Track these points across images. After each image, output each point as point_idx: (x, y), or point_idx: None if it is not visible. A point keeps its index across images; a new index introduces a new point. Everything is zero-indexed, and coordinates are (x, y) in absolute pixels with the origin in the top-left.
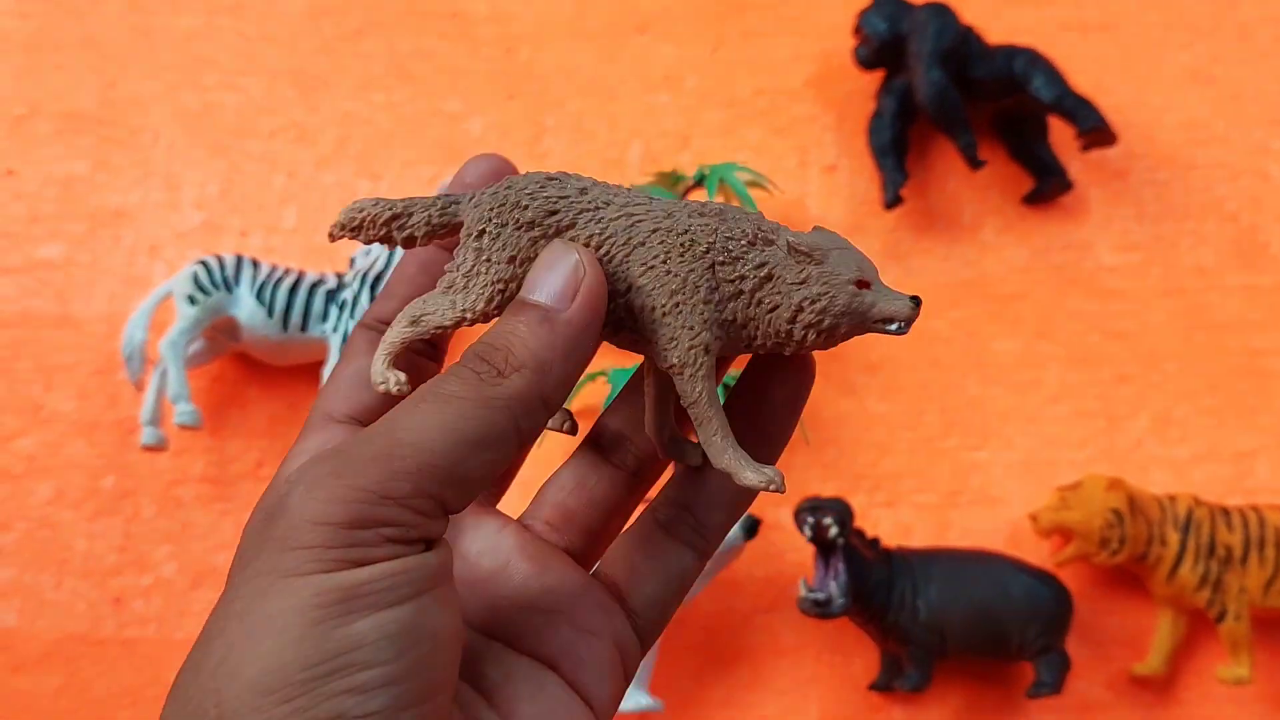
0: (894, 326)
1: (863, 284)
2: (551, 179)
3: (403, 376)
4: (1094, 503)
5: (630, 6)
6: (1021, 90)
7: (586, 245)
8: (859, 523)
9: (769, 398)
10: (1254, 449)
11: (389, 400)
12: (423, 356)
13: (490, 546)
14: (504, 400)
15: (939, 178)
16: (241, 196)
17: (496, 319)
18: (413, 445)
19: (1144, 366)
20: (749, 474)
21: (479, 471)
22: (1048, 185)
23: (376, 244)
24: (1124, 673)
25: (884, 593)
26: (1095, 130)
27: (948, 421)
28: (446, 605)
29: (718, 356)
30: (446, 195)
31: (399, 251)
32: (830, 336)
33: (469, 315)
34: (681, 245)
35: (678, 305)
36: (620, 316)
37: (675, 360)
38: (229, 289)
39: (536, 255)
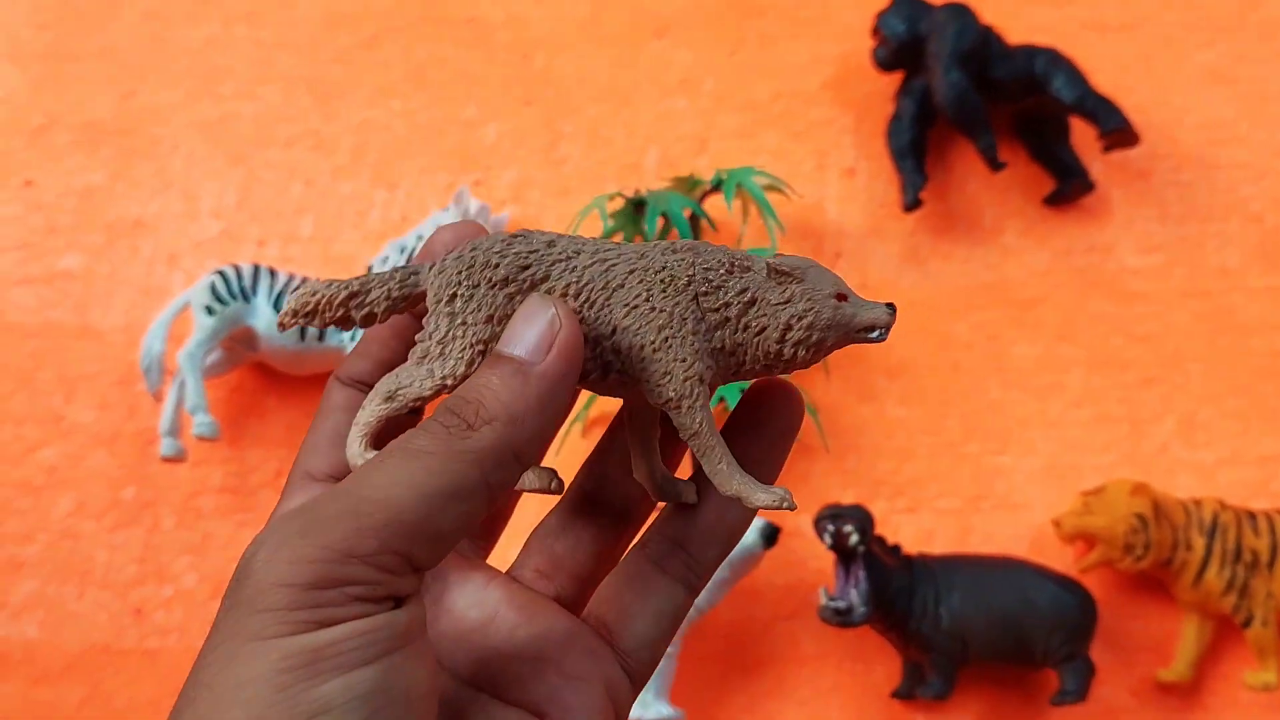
0: (875, 334)
1: (841, 297)
2: (516, 236)
3: None
4: (1118, 508)
5: (647, 11)
6: (1042, 91)
7: (564, 295)
8: (880, 529)
9: (763, 432)
10: None
11: None
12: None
13: (477, 600)
14: (474, 454)
15: (959, 180)
16: (259, 205)
17: None
18: (378, 502)
19: (1168, 369)
20: (760, 495)
21: (449, 526)
22: (1069, 186)
23: (394, 252)
24: (1149, 679)
25: (906, 600)
26: (1117, 131)
27: (969, 426)
28: (418, 663)
29: (709, 385)
30: (404, 267)
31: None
32: (818, 351)
33: (450, 381)
34: (662, 282)
35: (667, 340)
36: (608, 360)
37: (672, 394)
38: (246, 299)
39: (513, 312)
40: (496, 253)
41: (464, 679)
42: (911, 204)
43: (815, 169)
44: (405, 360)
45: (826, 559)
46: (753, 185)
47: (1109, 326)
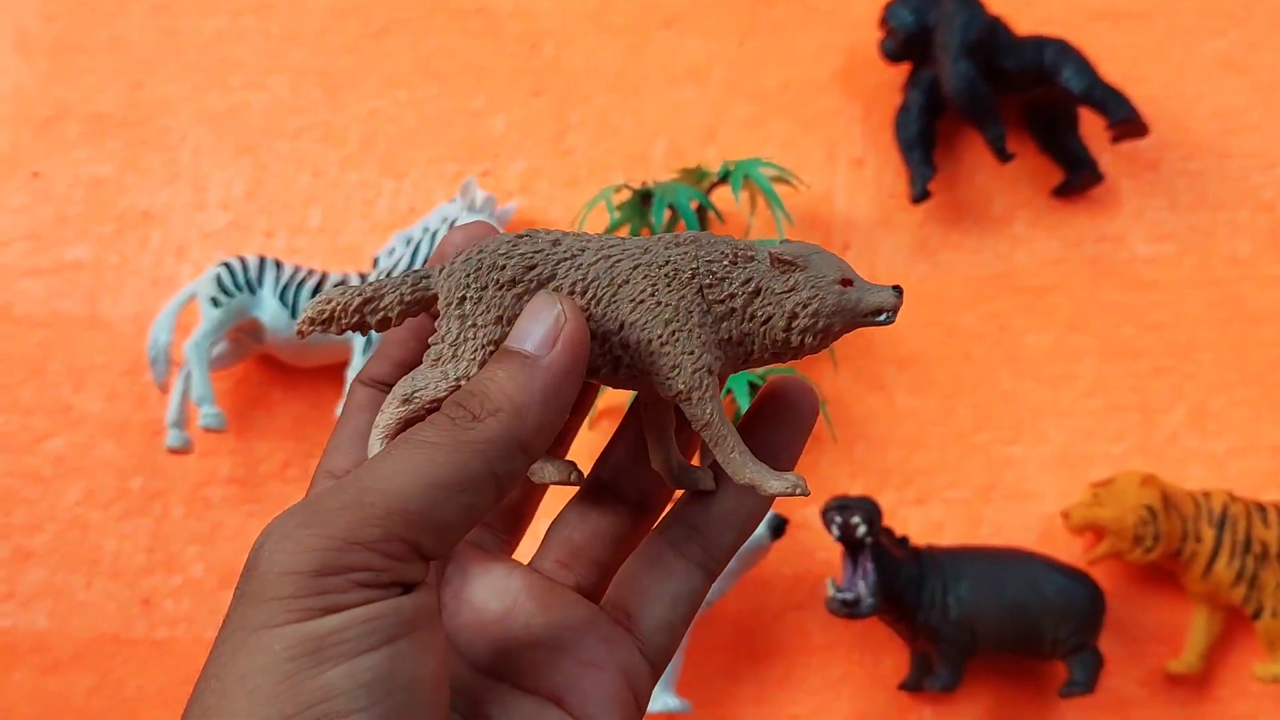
0: (882, 317)
1: (846, 282)
2: (521, 236)
3: None
4: (1127, 499)
5: (656, 1)
6: (1051, 81)
7: (571, 293)
8: (889, 520)
9: (779, 427)
10: None
11: None
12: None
13: (498, 591)
14: (479, 444)
15: (968, 171)
16: (267, 197)
17: None
18: (381, 492)
19: (1179, 359)
20: (774, 483)
21: (455, 516)
22: (1078, 177)
23: (400, 244)
24: (1158, 670)
25: (914, 591)
26: (1126, 121)
27: (979, 416)
28: (427, 651)
29: (718, 376)
30: (416, 271)
31: (422, 249)
32: (825, 336)
33: (463, 382)
34: (666, 276)
35: (674, 333)
36: (617, 355)
37: (681, 386)
38: (252, 291)
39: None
40: (502, 254)
41: (483, 669)
42: (920, 195)
43: (824, 159)
44: (423, 360)
45: (834, 550)
46: (760, 176)
47: (1120, 316)
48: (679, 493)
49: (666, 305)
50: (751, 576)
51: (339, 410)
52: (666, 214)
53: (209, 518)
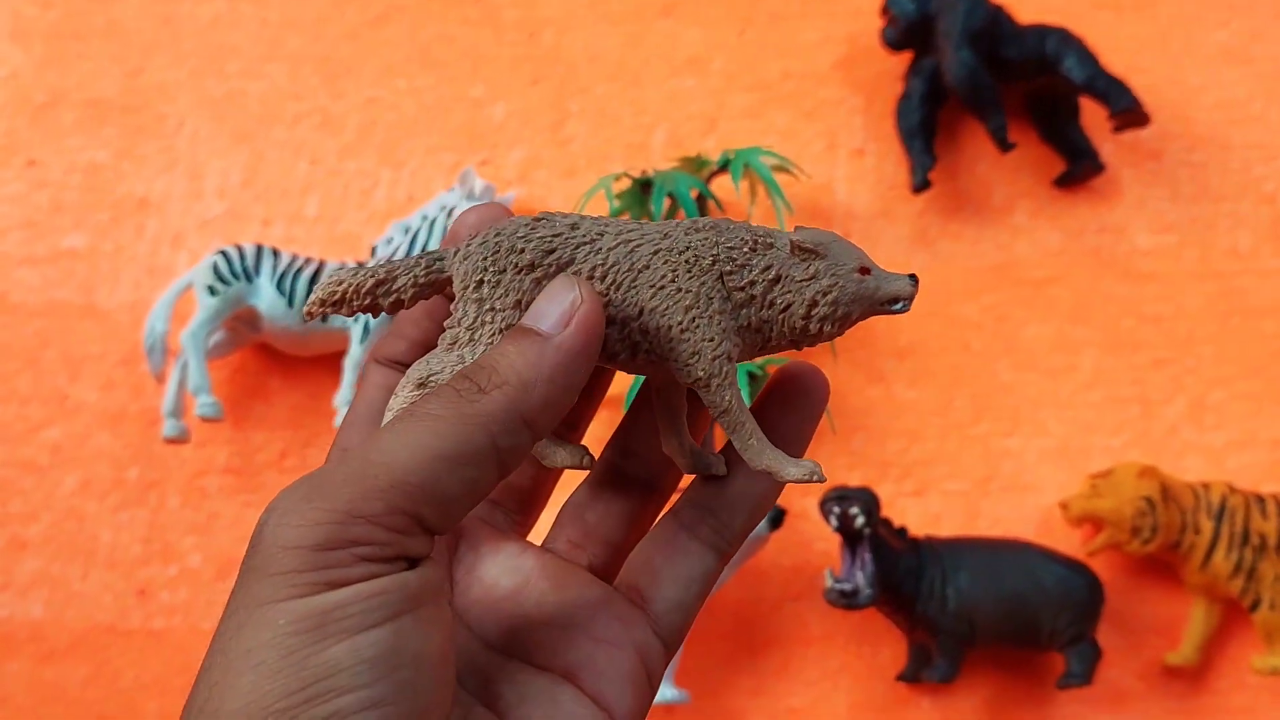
0: (899, 305)
1: (864, 270)
2: (539, 219)
3: None
4: (1125, 490)
5: None
6: (1053, 71)
7: (590, 278)
8: (887, 511)
9: (790, 413)
10: None
11: None
12: None
13: (510, 568)
14: (482, 417)
15: (968, 160)
16: (265, 185)
17: None
18: (385, 464)
19: (1179, 351)
20: (791, 470)
21: (458, 489)
22: (1079, 167)
23: (398, 232)
24: (1156, 662)
25: (912, 582)
26: (1128, 111)
27: (978, 408)
28: (432, 627)
29: (737, 362)
30: (430, 253)
31: (420, 238)
32: (844, 324)
33: None
34: (686, 262)
35: (694, 320)
36: (636, 340)
37: (701, 373)
38: (249, 279)
39: None
40: (521, 237)
41: (496, 646)
42: (920, 185)
43: (825, 149)
44: (438, 344)
45: (833, 541)
46: (760, 165)
47: (1120, 308)
48: (690, 476)
49: (687, 291)
50: (750, 567)
51: (336, 400)
52: (666, 203)
53: (205, 508)
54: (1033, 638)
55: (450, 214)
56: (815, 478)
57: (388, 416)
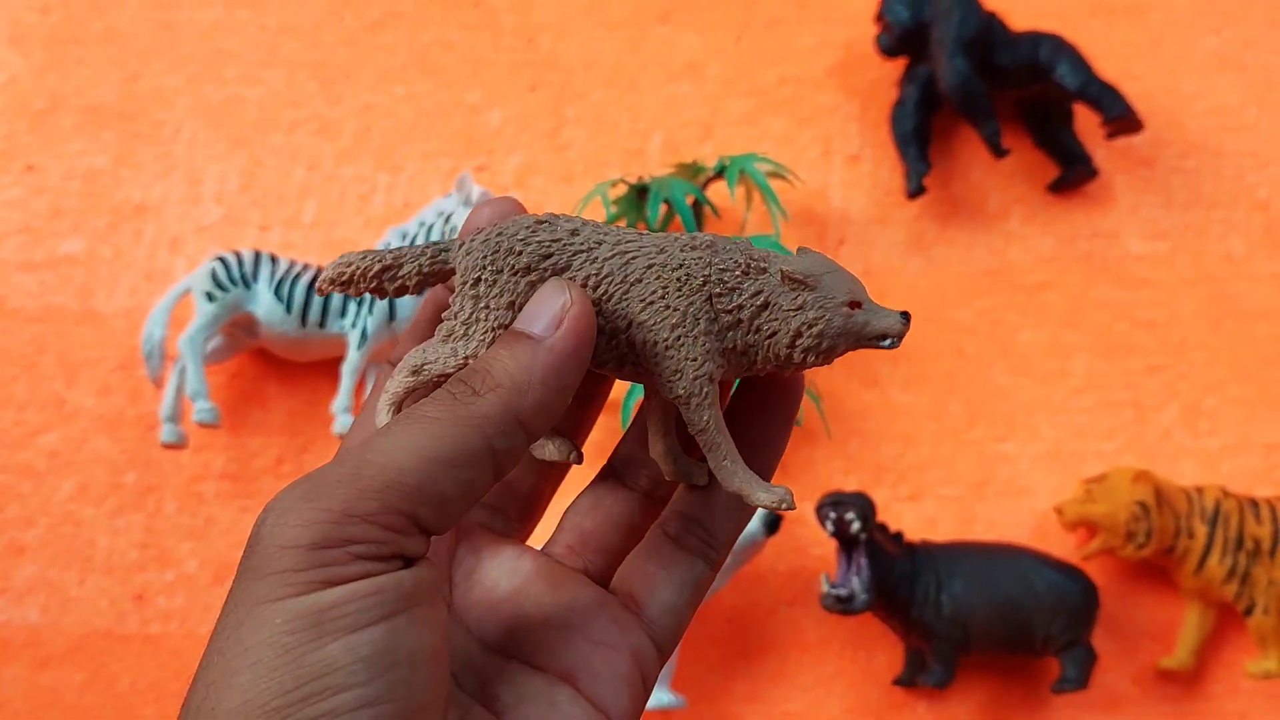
0: (887, 342)
1: (855, 305)
2: (541, 222)
3: None
4: (1120, 495)
5: None
6: (1046, 78)
7: (584, 286)
8: (882, 516)
9: (763, 417)
10: None
11: None
12: None
13: (509, 570)
14: (477, 419)
15: (963, 166)
16: (262, 190)
17: None
18: (380, 465)
19: (1172, 356)
20: (761, 495)
21: (454, 490)
22: (1073, 173)
23: (396, 238)
24: (1151, 667)
25: (908, 587)
26: (1121, 118)
27: (973, 412)
28: (426, 626)
29: (720, 382)
30: (436, 244)
31: (418, 243)
32: (828, 356)
33: (471, 361)
34: (678, 280)
35: (679, 339)
36: (623, 352)
37: (681, 391)
38: (247, 285)
39: None
40: (520, 240)
41: (494, 647)
42: (915, 191)
43: (820, 155)
44: (435, 333)
45: (829, 546)
46: (756, 172)
47: (1113, 313)
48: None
49: (674, 310)
50: (746, 572)
51: (333, 406)
52: (662, 209)
53: (202, 513)
54: (1028, 642)
55: (447, 220)
56: (784, 505)
57: (382, 399)
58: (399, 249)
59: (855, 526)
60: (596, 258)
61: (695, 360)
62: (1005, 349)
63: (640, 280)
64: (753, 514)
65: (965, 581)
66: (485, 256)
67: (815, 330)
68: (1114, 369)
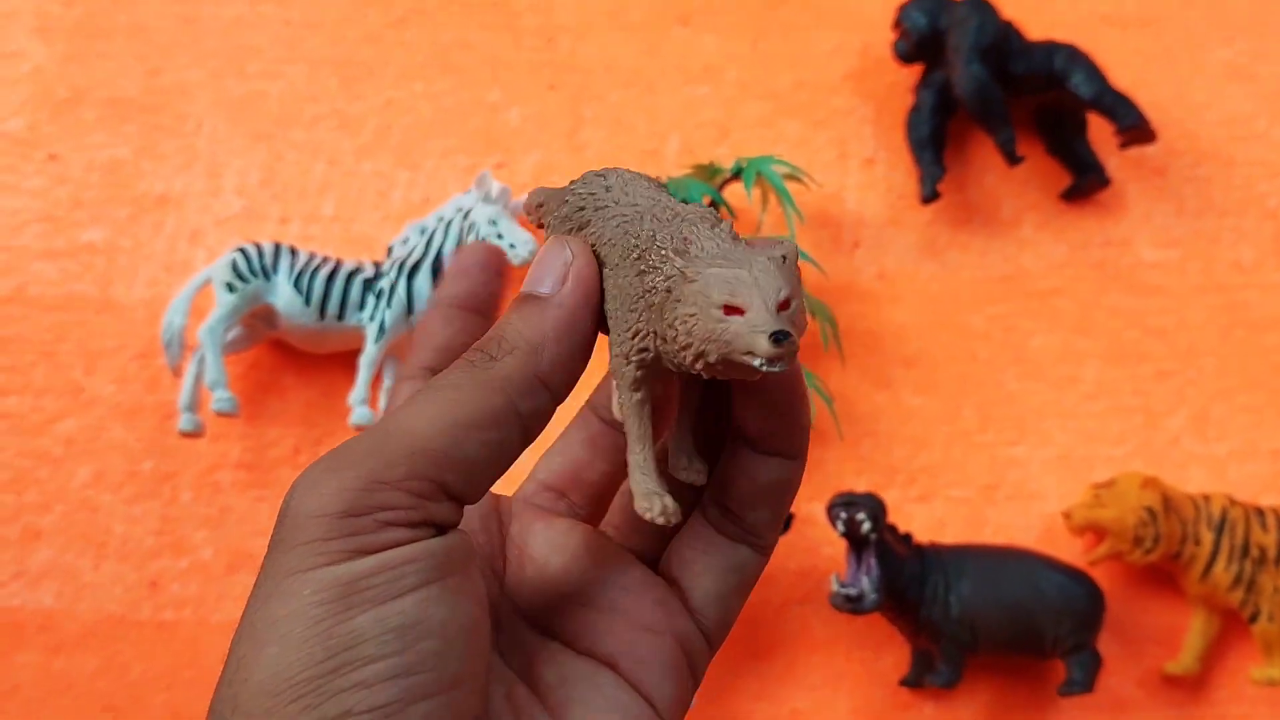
0: (757, 362)
1: (732, 309)
2: (600, 174)
3: None
4: (1128, 500)
5: None
6: (1061, 86)
7: (591, 244)
8: (892, 517)
9: (765, 412)
10: None
11: None
12: None
13: (557, 547)
14: (498, 381)
15: (977, 172)
16: (282, 184)
17: None
18: (405, 433)
19: (1182, 363)
20: (641, 502)
21: (480, 453)
22: (1085, 181)
23: (415, 233)
24: (1156, 672)
25: (916, 588)
26: (1134, 128)
27: (984, 416)
28: (460, 596)
29: (656, 371)
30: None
31: (436, 239)
32: (712, 367)
33: None
34: (626, 250)
35: (614, 311)
36: (603, 317)
37: (611, 367)
38: (267, 277)
39: None
40: (573, 190)
41: (540, 627)
42: (929, 196)
43: (835, 159)
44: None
45: (839, 545)
46: (772, 174)
47: (1125, 320)
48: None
49: (617, 282)
50: None
51: (350, 398)
52: None
53: (218, 502)
54: (1035, 645)
55: (466, 216)
56: (660, 518)
57: None
58: (557, 190)
59: (866, 527)
60: (607, 217)
61: (619, 336)
62: (1017, 354)
63: (614, 246)
64: (787, 496)
65: (973, 583)
66: (552, 204)
67: (687, 328)
68: (1124, 375)
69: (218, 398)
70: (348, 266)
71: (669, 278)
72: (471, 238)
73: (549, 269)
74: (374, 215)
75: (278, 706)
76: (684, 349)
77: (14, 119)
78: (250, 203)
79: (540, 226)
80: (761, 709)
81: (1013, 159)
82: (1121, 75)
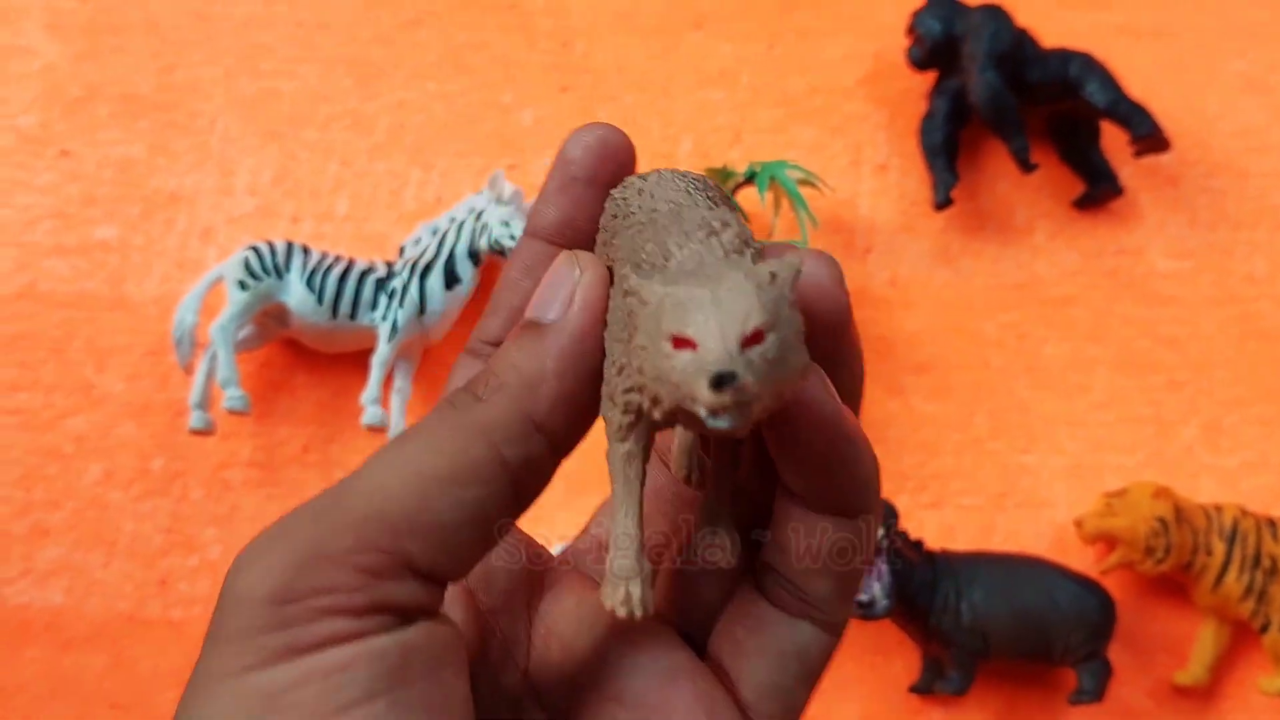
0: (703, 413)
1: (681, 341)
2: (647, 177)
3: None
4: (1140, 510)
5: (686, 3)
6: (1075, 94)
7: (611, 260)
8: (903, 524)
9: (809, 547)
10: None
11: None
12: None
13: (587, 624)
14: (480, 425)
15: (990, 180)
16: (295, 183)
17: None
18: (362, 492)
19: (1194, 373)
20: (604, 586)
21: (457, 514)
22: (1099, 190)
23: (427, 233)
24: (1166, 681)
25: (927, 595)
26: (1148, 137)
27: (996, 424)
28: (423, 714)
29: (633, 412)
30: None
31: (448, 240)
32: (670, 417)
33: None
34: (623, 266)
35: (606, 342)
36: None
37: (600, 410)
38: (279, 275)
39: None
40: (611, 198)
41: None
42: (942, 202)
43: (849, 164)
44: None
45: None
46: (786, 178)
47: (1137, 329)
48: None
49: (611, 306)
50: None
51: (362, 398)
52: None
53: (228, 500)
54: (1046, 653)
55: (479, 216)
56: (622, 610)
57: None
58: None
59: (878, 534)
60: (626, 226)
61: (607, 374)
62: (1030, 362)
63: (622, 260)
64: (853, 568)
65: (984, 591)
66: (607, 204)
67: (638, 365)
68: (1136, 385)
69: (230, 395)
70: (360, 266)
71: (627, 298)
72: (484, 239)
73: (556, 290)
74: (387, 215)
75: None
76: (638, 390)
77: (26, 115)
78: (263, 201)
79: None
80: None
81: (1026, 166)
82: (1135, 86)
